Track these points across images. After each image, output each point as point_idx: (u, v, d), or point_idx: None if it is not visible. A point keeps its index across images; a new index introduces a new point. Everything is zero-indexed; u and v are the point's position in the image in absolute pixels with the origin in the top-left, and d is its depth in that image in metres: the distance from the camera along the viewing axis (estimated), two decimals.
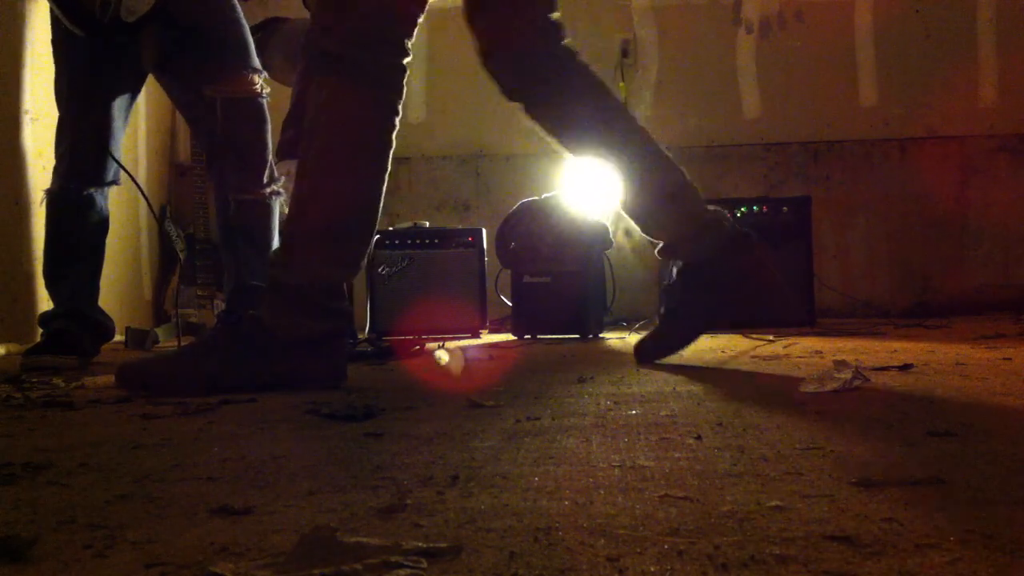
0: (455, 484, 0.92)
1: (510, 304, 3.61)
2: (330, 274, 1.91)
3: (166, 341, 3.58)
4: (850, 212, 4.53)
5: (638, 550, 0.68)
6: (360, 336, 3.44)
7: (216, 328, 2.06)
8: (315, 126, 1.90)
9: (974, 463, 0.96)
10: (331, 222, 1.90)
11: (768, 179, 4.58)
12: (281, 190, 2.80)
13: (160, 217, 4.51)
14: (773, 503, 0.80)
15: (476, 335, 3.69)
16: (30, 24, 3.43)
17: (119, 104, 2.70)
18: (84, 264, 2.74)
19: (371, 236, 1.99)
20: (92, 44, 2.58)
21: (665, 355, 2.17)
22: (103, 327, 2.77)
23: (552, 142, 2.14)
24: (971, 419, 1.24)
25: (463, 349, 2.98)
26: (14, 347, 3.13)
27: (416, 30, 1.94)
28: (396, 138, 1.96)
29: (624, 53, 4.60)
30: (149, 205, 3.05)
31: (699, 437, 1.15)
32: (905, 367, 1.88)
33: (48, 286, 2.77)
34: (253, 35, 2.81)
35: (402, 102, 1.95)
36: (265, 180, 2.73)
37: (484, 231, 3.85)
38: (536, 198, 3.68)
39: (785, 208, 3.77)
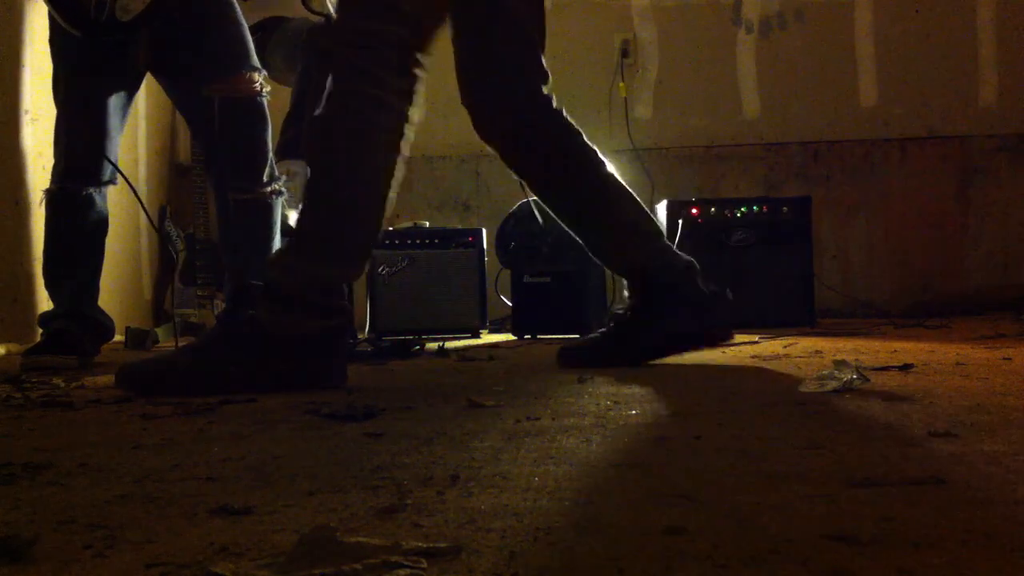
0: (455, 484, 0.92)
1: (510, 304, 3.61)
2: (329, 273, 1.91)
3: (166, 341, 3.58)
4: (850, 212, 4.53)
5: (638, 550, 0.68)
6: (360, 336, 3.44)
7: (215, 328, 2.06)
8: (318, 126, 1.90)
9: (974, 463, 0.96)
10: (329, 222, 1.90)
11: (768, 179, 4.57)
12: (282, 189, 2.80)
13: (160, 217, 4.51)
14: (773, 503, 0.80)
15: (476, 335, 3.69)
16: (30, 24, 3.43)
17: (116, 103, 2.70)
18: (84, 264, 2.74)
19: (373, 237, 1.98)
20: (89, 43, 2.58)
21: (587, 366, 2.10)
22: (103, 327, 2.77)
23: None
24: (971, 419, 1.24)
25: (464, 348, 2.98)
26: (14, 347, 3.12)
27: (432, 39, 1.96)
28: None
29: (624, 53, 4.60)
30: (145, 210, 3.05)
31: (699, 437, 1.15)
32: (905, 367, 1.88)
33: (48, 286, 2.77)
34: (252, 35, 2.81)
35: (413, 107, 1.95)
36: (265, 180, 2.73)
37: (484, 231, 3.85)
38: (536, 198, 3.68)
39: (785, 208, 3.77)
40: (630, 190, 2.21)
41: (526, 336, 3.51)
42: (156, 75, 2.77)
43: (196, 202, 4.08)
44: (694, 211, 3.73)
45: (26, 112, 3.41)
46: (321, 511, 0.83)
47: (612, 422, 1.30)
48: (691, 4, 4.65)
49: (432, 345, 2.92)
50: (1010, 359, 2.11)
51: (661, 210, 3.79)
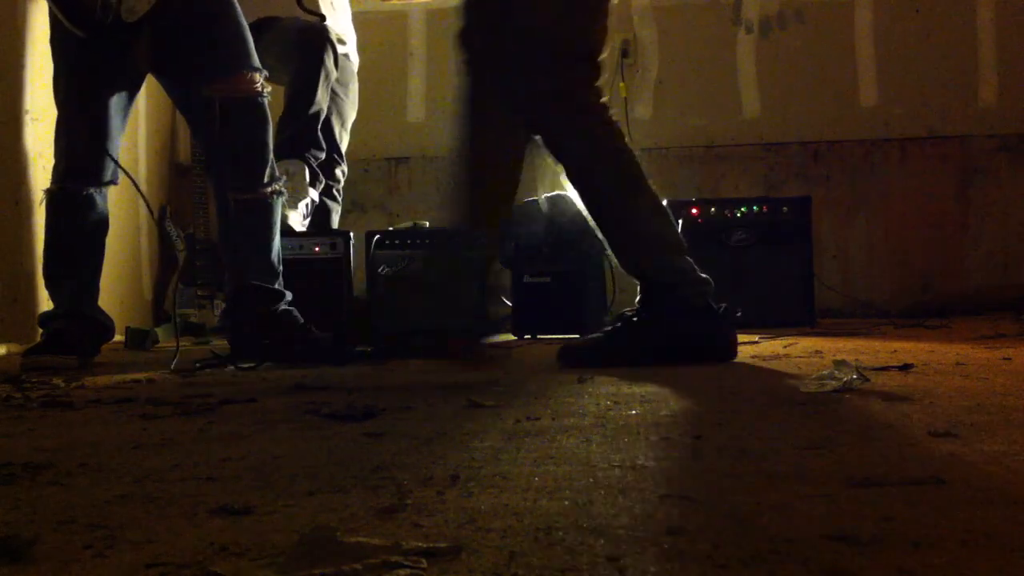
0: (455, 484, 0.92)
1: (510, 304, 3.61)
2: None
3: (166, 341, 3.58)
4: (850, 212, 4.53)
5: (638, 550, 0.68)
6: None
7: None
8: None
9: (974, 463, 0.96)
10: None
11: (768, 179, 4.57)
12: (282, 190, 2.80)
13: (160, 217, 4.51)
14: (773, 503, 0.80)
15: None
16: (30, 24, 3.43)
17: (117, 103, 2.70)
18: (84, 264, 2.74)
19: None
20: (90, 43, 2.58)
21: (587, 366, 2.12)
22: (103, 327, 2.77)
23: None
24: (971, 419, 1.24)
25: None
26: (14, 347, 3.13)
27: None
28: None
29: (624, 53, 4.60)
30: (148, 206, 3.05)
31: (699, 437, 1.15)
32: (905, 367, 1.88)
33: (48, 286, 2.77)
34: None
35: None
36: (266, 180, 2.73)
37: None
38: (536, 198, 3.68)
39: (785, 208, 3.77)
40: (660, 200, 2.29)
41: (526, 336, 3.51)
42: (157, 75, 2.77)
43: (196, 202, 4.08)
44: (694, 211, 3.73)
45: (26, 112, 3.41)
46: (321, 511, 0.83)
47: (612, 422, 1.30)
48: (691, 4, 4.65)
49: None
50: (1010, 359, 2.11)
51: None
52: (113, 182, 2.75)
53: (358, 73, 4.11)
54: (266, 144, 2.74)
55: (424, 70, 4.82)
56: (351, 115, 4.05)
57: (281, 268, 2.78)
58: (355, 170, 4.49)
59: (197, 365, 2.40)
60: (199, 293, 4.03)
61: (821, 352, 2.43)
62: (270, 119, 2.76)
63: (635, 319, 2.23)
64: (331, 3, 3.85)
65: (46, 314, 2.74)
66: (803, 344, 2.73)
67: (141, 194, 2.84)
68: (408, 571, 0.64)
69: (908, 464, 0.97)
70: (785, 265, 3.67)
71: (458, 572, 0.64)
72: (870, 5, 4.57)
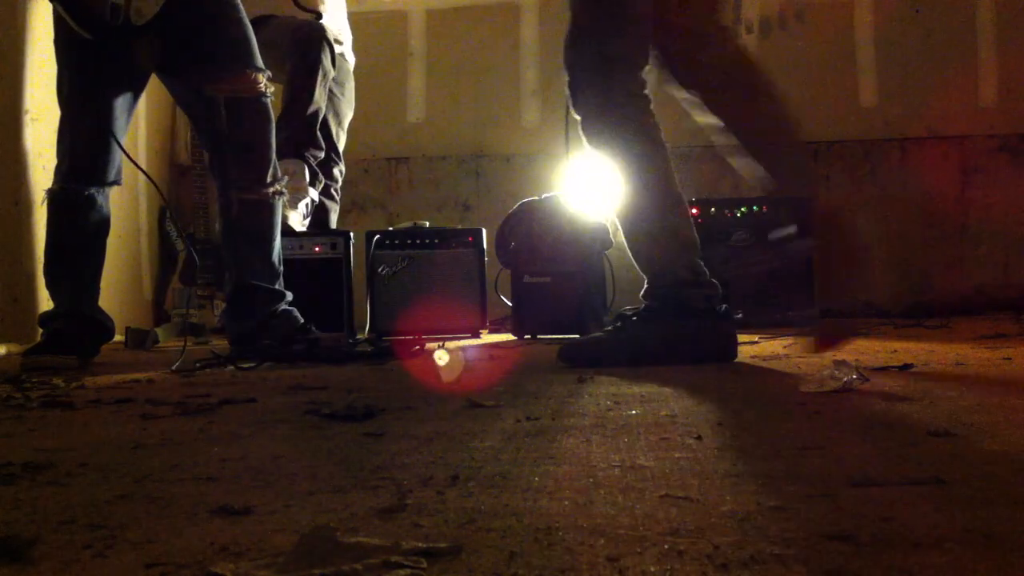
0: (455, 484, 0.92)
1: (510, 304, 3.61)
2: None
3: (166, 341, 3.58)
4: (850, 212, 4.53)
5: (638, 550, 0.68)
6: (360, 336, 3.44)
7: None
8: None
9: (974, 463, 0.96)
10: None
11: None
12: (283, 190, 2.80)
13: (161, 215, 4.52)
14: (773, 503, 0.80)
15: (476, 335, 3.69)
16: (30, 24, 3.43)
17: (121, 104, 2.70)
18: (84, 264, 2.74)
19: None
20: (94, 44, 2.58)
21: (587, 365, 2.13)
22: (103, 327, 2.77)
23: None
24: (971, 419, 1.24)
25: (463, 350, 2.98)
26: (14, 347, 3.12)
27: None
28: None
29: None
30: (159, 190, 3.05)
31: (699, 437, 1.15)
32: (905, 367, 1.88)
33: (48, 286, 2.77)
34: None
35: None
36: (269, 180, 2.73)
37: (484, 231, 3.85)
38: (536, 198, 3.68)
39: (785, 208, 3.76)
40: (683, 198, 2.33)
41: (526, 336, 3.51)
42: (160, 74, 2.77)
43: (196, 202, 4.08)
44: (694, 211, 3.72)
45: (26, 112, 3.41)
46: (321, 511, 0.83)
47: (612, 422, 1.30)
48: None
49: (432, 345, 2.92)
50: (1010, 359, 2.11)
51: None
52: (116, 183, 2.75)
53: (357, 73, 4.11)
54: (269, 144, 2.74)
55: (424, 70, 4.81)
56: (348, 114, 4.05)
57: (281, 268, 2.78)
58: (355, 170, 4.49)
59: (197, 365, 2.40)
60: (199, 293, 4.03)
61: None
62: (273, 119, 2.76)
63: (635, 318, 2.23)
64: (327, 1, 3.85)
65: (46, 314, 2.74)
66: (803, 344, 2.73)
67: (150, 179, 2.84)
68: (408, 571, 0.64)
69: (908, 464, 0.97)
70: (785, 265, 3.67)
71: (458, 572, 0.64)
72: (870, 5, 4.57)
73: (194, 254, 3.81)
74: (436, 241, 3.78)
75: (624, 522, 0.76)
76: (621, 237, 2.36)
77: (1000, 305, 4.20)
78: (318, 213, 3.85)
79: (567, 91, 2.29)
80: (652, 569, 0.63)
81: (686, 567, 0.64)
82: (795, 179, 2.45)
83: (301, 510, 0.83)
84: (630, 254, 2.31)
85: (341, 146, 4.04)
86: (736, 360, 2.23)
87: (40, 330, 2.73)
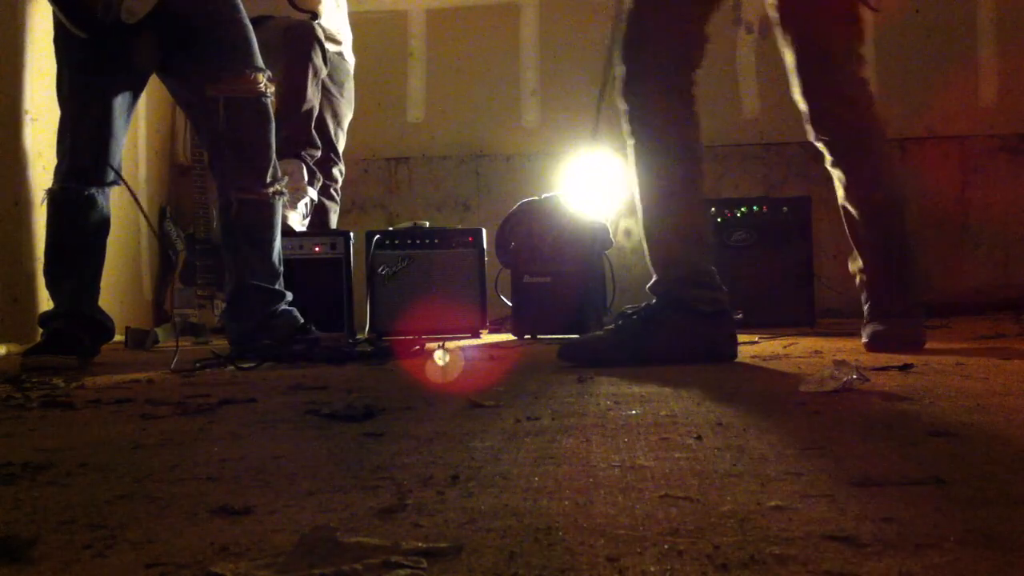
0: (455, 484, 0.92)
1: (510, 304, 3.61)
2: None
3: (166, 341, 3.58)
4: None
5: (638, 550, 0.68)
6: (360, 336, 3.44)
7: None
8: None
9: (974, 463, 0.96)
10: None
11: (768, 179, 4.57)
12: (283, 190, 2.80)
13: (159, 218, 4.52)
14: (773, 503, 0.80)
15: (476, 335, 3.69)
16: (30, 24, 3.43)
17: (120, 104, 2.70)
18: (84, 264, 2.74)
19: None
20: (93, 43, 2.58)
21: (587, 364, 2.14)
22: (103, 327, 2.77)
23: None
24: (971, 419, 1.24)
25: (462, 350, 2.98)
26: (14, 347, 3.12)
27: None
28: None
29: None
30: (145, 216, 3.05)
31: (699, 437, 1.15)
32: (905, 367, 1.88)
33: (48, 286, 2.77)
34: None
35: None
36: (268, 180, 2.73)
37: (484, 231, 3.85)
38: (536, 198, 3.68)
39: (785, 208, 3.77)
40: (704, 200, 2.37)
41: (526, 336, 3.51)
42: (160, 75, 2.77)
43: (196, 202, 4.09)
44: None
45: (26, 112, 3.41)
46: (321, 511, 0.83)
47: (612, 422, 1.30)
48: None
49: (432, 345, 2.92)
50: (1010, 359, 2.11)
51: None
52: (115, 183, 2.75)
53: (357, 73, 4.11)
54: (269, 144, 2.74)
55: (424, 70, 4.81)
56: (347, 114, 4.05)
57: (282, 268, 2.78)
58: (355, 170, 4.49)
59: (197, 365, 2.40)
60: (199, 293, 4.03)
61: (821, 352, 2.43)
62: (273, 119, 2.76)
63: (636, 318, 2.23)
64: (325, 2, 3.85)
65: (46, 314, 2.74)
66: (803, 344, 2.73)
67: (137, 201, 2.84)
68: (408, 571, 0.64)
69: (908, 464, 0.97)
70: (785, 265, 3.68)
71: (458, 572, 0.64)
72: None
73: (174, 244, 3.79)
74: (436, 241, 3.78)
75: (624, 522, 0.76)
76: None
77: (1000, 305, 4.20)
78: (316, 213, 3.85)
79: (619, 81, 2.29)
80: (652, 569, 0.63)
81: (686, 567, 0.64)
82: None
83: (301, 510, 0.83)
84: (645, 244, 2.30)
85: (341, 146, 4.04)
86: (736, 360, 2.23)
87: (40, 330, 2.73)
